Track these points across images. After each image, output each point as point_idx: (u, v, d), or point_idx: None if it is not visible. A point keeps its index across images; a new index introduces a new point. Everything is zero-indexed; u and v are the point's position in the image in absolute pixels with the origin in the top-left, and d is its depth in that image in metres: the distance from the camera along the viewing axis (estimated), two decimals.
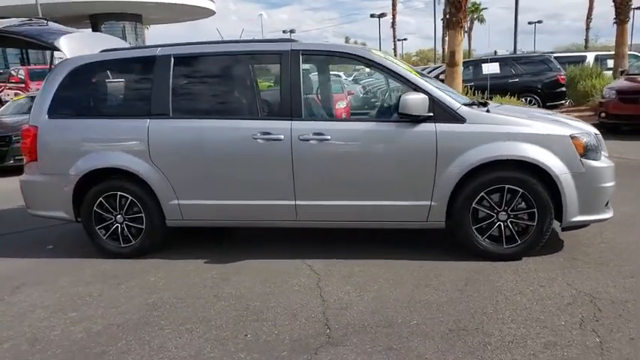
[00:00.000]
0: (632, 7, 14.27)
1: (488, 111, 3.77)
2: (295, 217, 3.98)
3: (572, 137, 3.64)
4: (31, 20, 4.65)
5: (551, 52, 18.04)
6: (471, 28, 53.39)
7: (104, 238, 4.27)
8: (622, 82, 10.22)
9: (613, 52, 17.21)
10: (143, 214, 4.17)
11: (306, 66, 4.13)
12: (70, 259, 4.31)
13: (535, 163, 3.59)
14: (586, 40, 40.73)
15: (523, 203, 3.71)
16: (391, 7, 45.27)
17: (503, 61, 13.73)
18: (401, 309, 3.12)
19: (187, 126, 4.02)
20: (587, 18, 40.77)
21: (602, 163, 3.74)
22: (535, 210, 3.67)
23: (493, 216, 3.76)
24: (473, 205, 3.73)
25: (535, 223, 3.69)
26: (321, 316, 3.08)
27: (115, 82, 4.33)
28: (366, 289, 3.43)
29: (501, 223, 3.75)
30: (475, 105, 3.98)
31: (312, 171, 3.87)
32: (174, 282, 3.72)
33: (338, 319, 3.04)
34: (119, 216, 4.23)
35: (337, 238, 4.45)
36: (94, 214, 4.23)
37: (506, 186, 3.67)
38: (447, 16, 10.26)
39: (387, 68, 3.85)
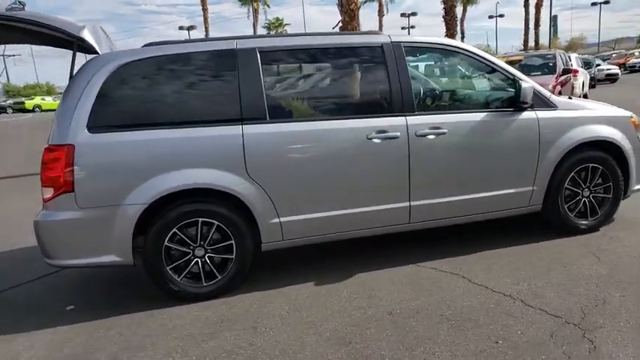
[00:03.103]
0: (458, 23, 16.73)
1: (570, 98, 4.10)
2: (408, 219, 3.74)
3: (631, 117, 4.20)
4: (15, 4, 3.37)
5: None
6: None
7: (179, 279, 3.38)
8: None
9: None
10: (233, 241, 3.42)
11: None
12: (123, 317, 3.28)
13: (614, 142, 4.04)
14: None
15: (600, 179, 4.14)
16: (203, 20, 44.63)
17: None
18: (614, 292, 3.10)
19: (291, 130, 3.43)
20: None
21: None
22: (611, 183, 4.12)
23: (579, 193, 4.10)
24: (565, 186, 4.02)
25: (611, 196, 4.15)
26: (562, 317, 2.87)
27: (181, 82, 3.41)
28: (536, 280, 3.34)
29: (585, 199, 4.12)
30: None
31: (427, 168, 3.68)
32: (320, 312, 3.15)
33: (567, 316, 2.97)
34: (198, 249, 3.40)
35: (420, 237, 4.25)
36: (164, 251, 3.31)
37: (590, 165, 4.05)
38: (341, 25, 10.65)
39: (489, 61, 3.90)
